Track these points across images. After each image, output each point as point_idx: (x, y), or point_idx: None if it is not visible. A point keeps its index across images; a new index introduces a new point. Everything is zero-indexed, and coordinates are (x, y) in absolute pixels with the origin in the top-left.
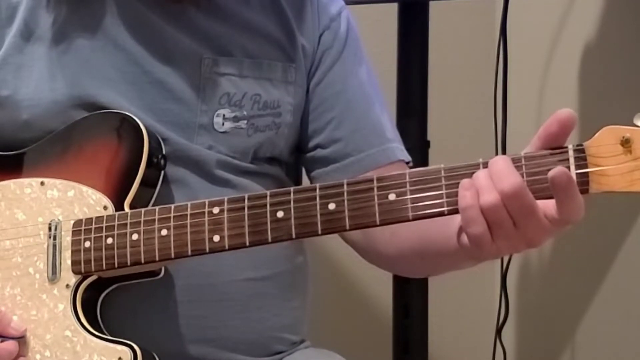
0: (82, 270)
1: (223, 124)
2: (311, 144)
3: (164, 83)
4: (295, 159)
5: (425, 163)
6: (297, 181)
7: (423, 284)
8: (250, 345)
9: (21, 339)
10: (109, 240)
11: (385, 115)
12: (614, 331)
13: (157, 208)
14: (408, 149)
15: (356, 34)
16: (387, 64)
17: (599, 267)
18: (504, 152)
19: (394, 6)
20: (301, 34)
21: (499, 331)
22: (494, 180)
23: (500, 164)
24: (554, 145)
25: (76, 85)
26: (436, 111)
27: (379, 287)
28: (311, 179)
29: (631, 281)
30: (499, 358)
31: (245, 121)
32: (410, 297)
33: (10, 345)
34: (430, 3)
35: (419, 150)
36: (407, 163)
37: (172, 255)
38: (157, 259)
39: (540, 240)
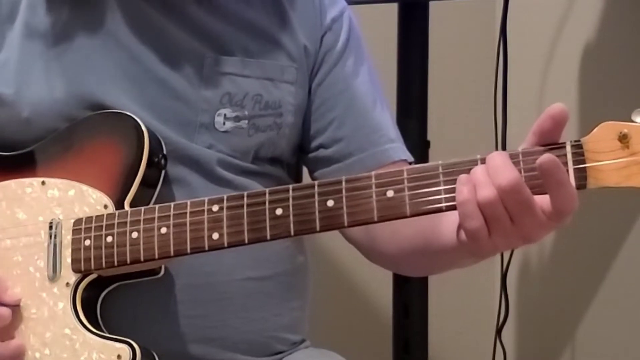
0: (82, 268)
1: (224, 124)
2: (314, 144)
3: (165, 81)
4: (296, 159)
5: (425, 163)
6: (298, 181)
7: (423, 284)
8: (250, 344)
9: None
10: (109, 239)
11: (388, 115)
12: (614, 331)
13: (156, 206)
14: (408, 149)
15: (358, 34)
16: (387, 64)
17: (599, 267)
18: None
19: (394, 6)
20: (303, 35)
21: (499, 331)
22: (491, 175)
23: (498, 159)
24: (549, 141)
25: (77, 84)
26: (436, 111)
27: (379, 287)
28: (314, 179)
29: (631, 281)
30: (499, 358)
31: (246, 121)
32: (410, 297)
33: (3, 311)
34: (430, 3)
35: (419, 150)
36: (410, 163)
37: (172, 253)
38: (156, 257)
39: (538, 235)
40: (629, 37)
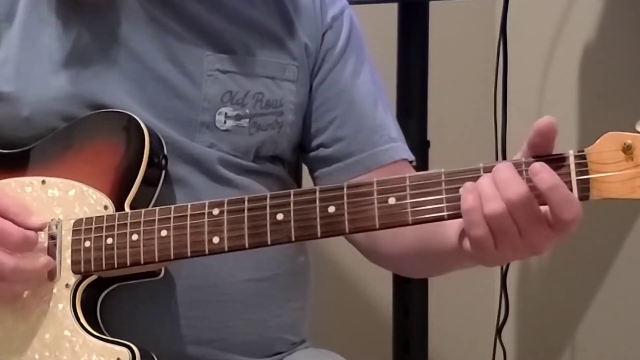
0: (82, 269)
1: (225, 122)
2: (314, 143)
3: (166, 80)
4: (296, 157)
5: (425, 163)
6: (298, 180)
7: (423, 284)
8: (250, 345)
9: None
10: (109, 240)
11: (389, 114)
12: (614, 331)
13: (157, 209)
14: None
15: (359, 33)
16: (387, 64)
17: (599, 267)
18: (504, 152)
19: (394, 6)
20: (304, 33)
21: (499, 331)
22: (500, 188)
23: (506, 172)
24: (543, 153)
25: (77, 82)
26: (436, 111)
27: (379, 287)
28: (314, 179)
29: (631, 281)
30: (499, 358)
31: (247, 119)
32: (410, 297)
33: (32, 234)
34: (430, 3)
35: (419, 150)
36: (411, 162)
37: (172, 256)
38: (156, 259)
39: (544, 247)
40: (629, 37)
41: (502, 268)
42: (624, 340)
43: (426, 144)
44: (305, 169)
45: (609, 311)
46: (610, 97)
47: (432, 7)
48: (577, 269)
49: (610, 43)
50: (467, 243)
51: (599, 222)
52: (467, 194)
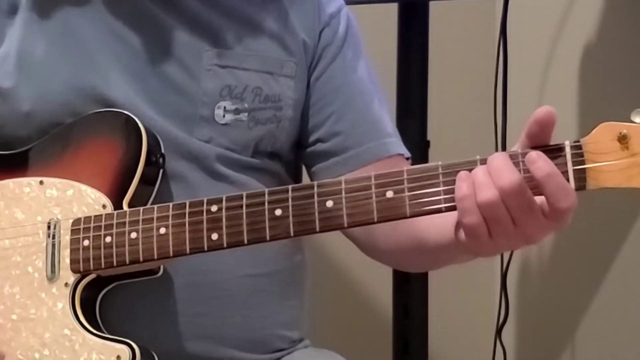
0: (81, 268)
1: (224, 116)
2: (311, 138)
3: (166, 75)
4: (295, 155)
5: (425, 163)
6: (297, 179)
7: (423, 284)
8: (249, 342)
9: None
10: (108, 239)
11: (385, 110)
12: (614, 331)
13: (155, 206)
14: (408, 149)
15: (356, 30)
16: (387, 64)
17: (599, 267)
18: (503, 151)
19: (394, 6)
20: (302, 30)
21: (499, 331)
22: (493, 176)
23: (499, 160)
24: (541, 144)
25: (78, 77)
26: (436, 111)
27: (379, 287)
28: (312, 175)
29: (631, 281)
30: (499, 358)
31: (246, 114)
32: (410, 297)
33: None
34: (430, 3)
35: (419, 150)
36: (407, 158)
37: (171, 254)
38: (155, 257)
39: (539, 237)
40: (629, 37)
41: (502, 268)
42: (624, 340)
43: (426, 144)
44: (305, 172)
45: (609, 311)
46: (610, 98)
47: (432, 7)
48: (577, 269)
49: (610, 43)
50: (462, 234)
51: (599, 222)
52: (461, 183)
